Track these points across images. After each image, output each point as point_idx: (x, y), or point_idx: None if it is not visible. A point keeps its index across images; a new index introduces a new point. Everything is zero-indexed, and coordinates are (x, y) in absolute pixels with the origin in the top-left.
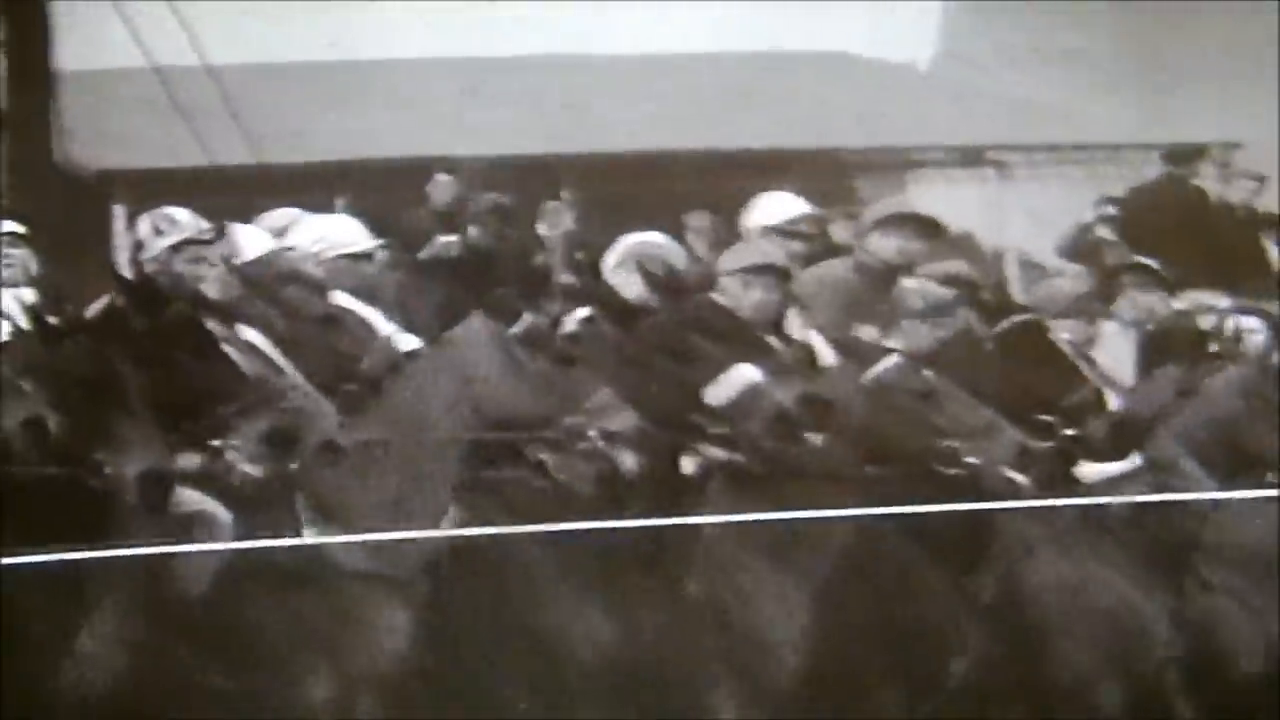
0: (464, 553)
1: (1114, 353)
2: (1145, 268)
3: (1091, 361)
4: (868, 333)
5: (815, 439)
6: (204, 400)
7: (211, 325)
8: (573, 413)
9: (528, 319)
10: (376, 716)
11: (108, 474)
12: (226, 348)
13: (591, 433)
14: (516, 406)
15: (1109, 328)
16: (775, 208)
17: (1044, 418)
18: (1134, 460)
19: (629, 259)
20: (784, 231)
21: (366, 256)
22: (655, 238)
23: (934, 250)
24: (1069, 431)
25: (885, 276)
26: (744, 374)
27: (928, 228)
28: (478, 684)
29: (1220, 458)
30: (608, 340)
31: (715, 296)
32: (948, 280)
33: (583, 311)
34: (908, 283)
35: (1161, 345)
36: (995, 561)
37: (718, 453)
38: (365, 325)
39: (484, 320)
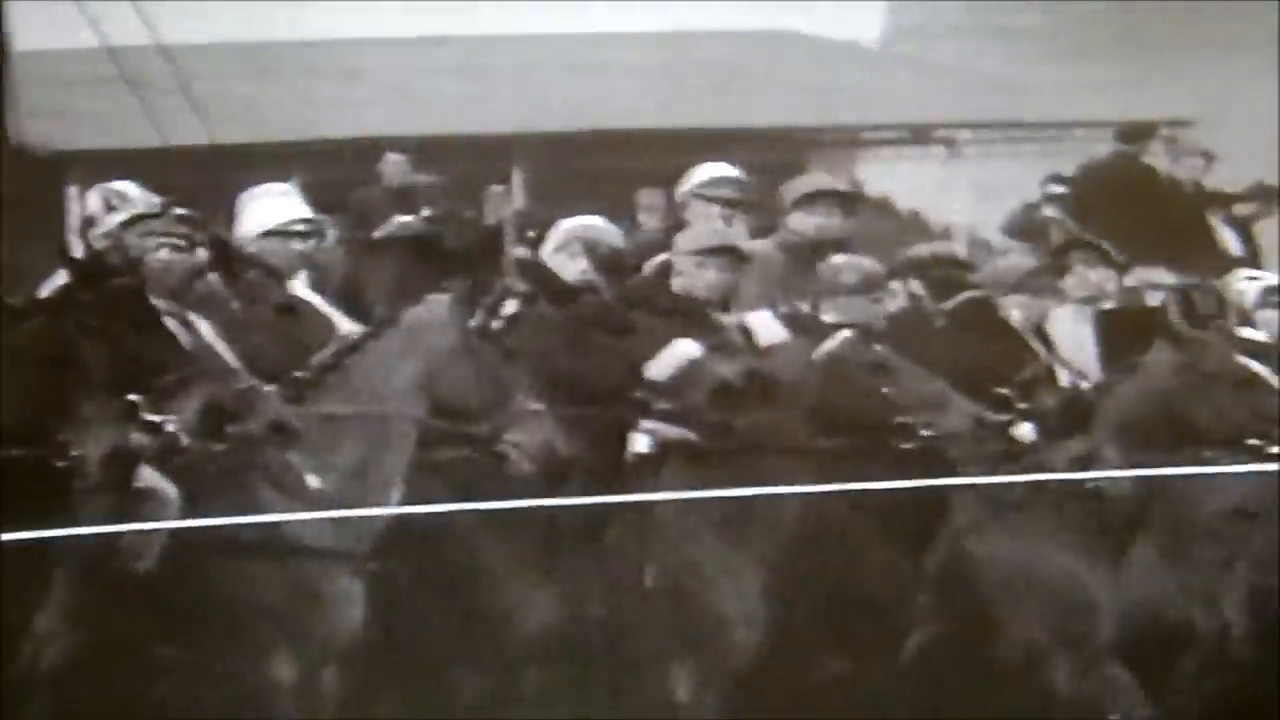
0: (413, 530)
1: (1070, 331)
2: (1093, 245)
3: (1044, 337)
4: (803, 309)
5: (764, 413)
6: (148, 375)
7: (158, 302)
8: (515, 394)
9: (475, 300)
10: (335, 690)
11: (73, 455)
12: (170, 322)
13: (533, 412)
14: (467, 388)
15: (1062, 308)
16: (700, 172)
17: (998, 391)
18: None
19: (568, 242)
20: (706, 197)
21: (314, 234)
22: (593, 220)
23: (875, 225)
24: (1022, 405)
25: (811, 253)
26: (684, 349)
27: (847, 202)
28: (428, 661)
29: (1161, 434)
30: (546, 320)
31: (673, 279)
32: (939, 261)
33: (522, 291)
34: (836, 259)
35: (1112, 323)
36: (946, 535)
37: (666, 429)
38: (323, 319)
39: (442, 302)
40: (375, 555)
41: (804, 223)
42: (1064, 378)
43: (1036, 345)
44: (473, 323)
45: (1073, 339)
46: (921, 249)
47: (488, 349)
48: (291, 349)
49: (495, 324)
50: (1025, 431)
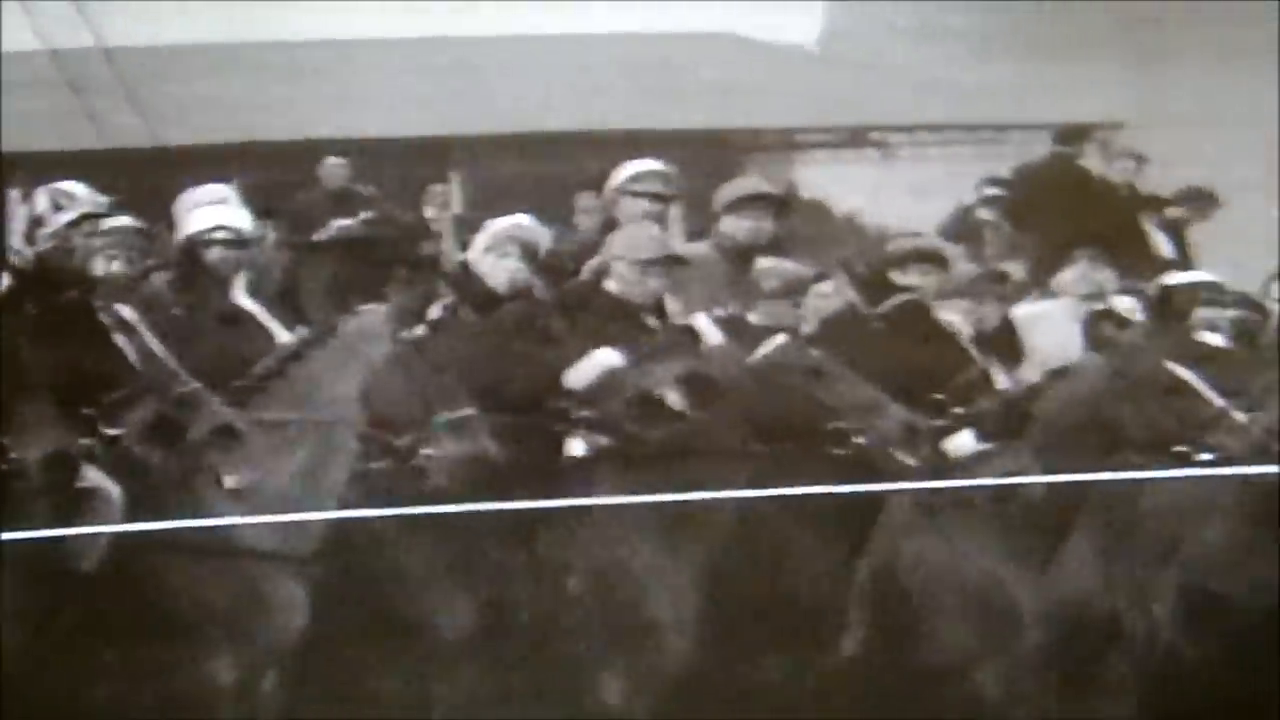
0: (351, 535)
1: (1057, 328)
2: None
3: (984, 342)
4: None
5: (695, 418)
6: (95, 386)
7: (105, 317)
8: (438, 404)
9: (406, 305)
10: (274, 694)
11: (13, 458)
12: (117, 338)
13: (460, 420)
14: (397, 399)
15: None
16: (625, 169)
17: (933, 395)
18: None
19: (497, 243)
20: (631, 192)
21: (243, 242)
22: (523, 219)
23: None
24: (958, 410)
25: (742, 257)
26: (603, 358)
27: (778, 206)
28: (359, 666)
29: (1090, 439)
30: (469, 327)
31: (608, 284)
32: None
33: (446, 298)
34: (763, 263)
35: (1101, 324)
36: (878, 540)
37: (594, 436)
38: (261, 328)
39: (378, 312)
40: (316, 560)
41: (735, 226)
42: (1001, 382)
43: (973, 350)
44: (405, 333)
45: (1058, 336)
46: (904, 243)
47: (416, 359)
48: (232, 356)
49: (420, 331)
50: (963, 441)
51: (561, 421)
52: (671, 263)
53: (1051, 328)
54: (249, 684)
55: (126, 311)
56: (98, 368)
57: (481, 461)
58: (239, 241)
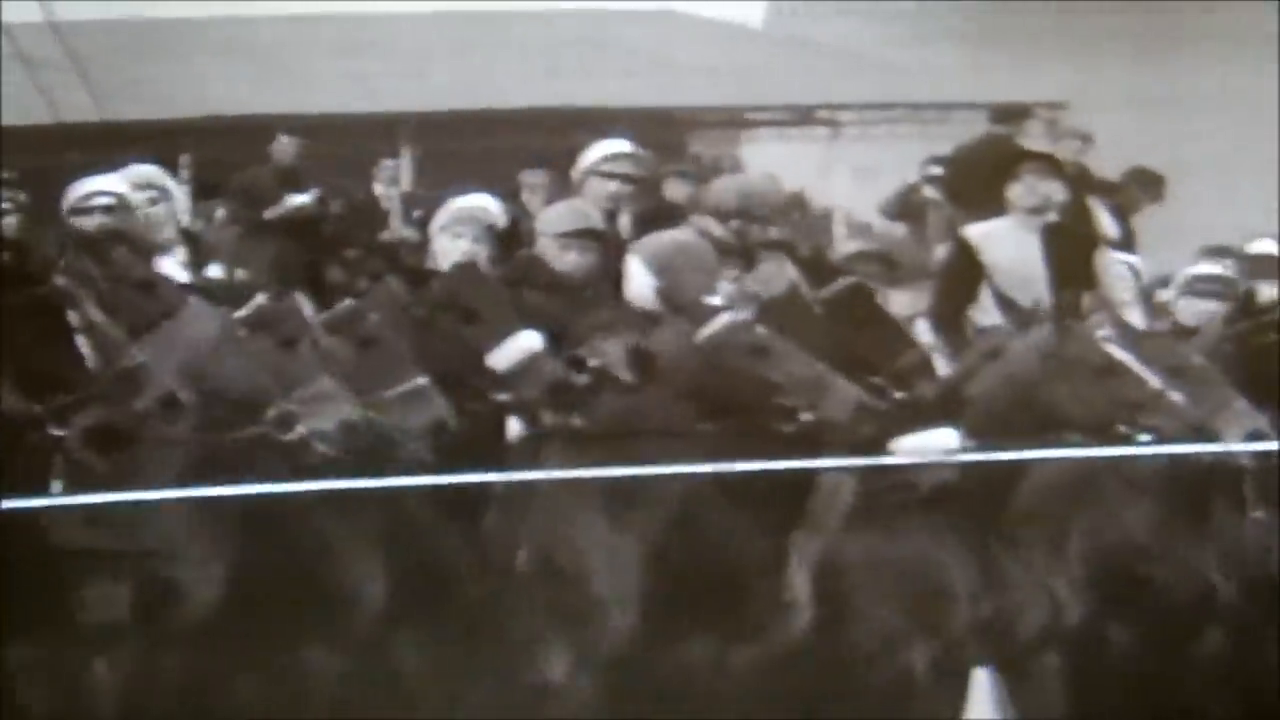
0: (269, 510)
1: (1014, 242)
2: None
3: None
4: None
5: (644, 393)
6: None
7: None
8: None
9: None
10: (181, 673)
11: None
12: (79, 338)
13: (417, 388)
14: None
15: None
16: (596, 150)
17: (874, 380)
18: (949, 437)
19: (453, 222)
20: (602, 173)
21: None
22: (480, 199)
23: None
24: (898, 395)
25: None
26: (526, 342)
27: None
28: (279, 642)
29: (1024, 420)
30: (398, 301)
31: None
32: (865, 258)
33: (375, 271)
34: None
35: (1059, 237)
36: (819, 519)
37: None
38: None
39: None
40: (232, 536)
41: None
42: (942, 367)
43: (914, 334)
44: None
45: (1017, 252)
46: (849, 246)
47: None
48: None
49: (348, 303)
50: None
51: (490, 398)
52: (589, 236)
53: (1008, 242)
54: (147, 664)
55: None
56: (55, 375)
57: (441, 430)
58: (121, 208)
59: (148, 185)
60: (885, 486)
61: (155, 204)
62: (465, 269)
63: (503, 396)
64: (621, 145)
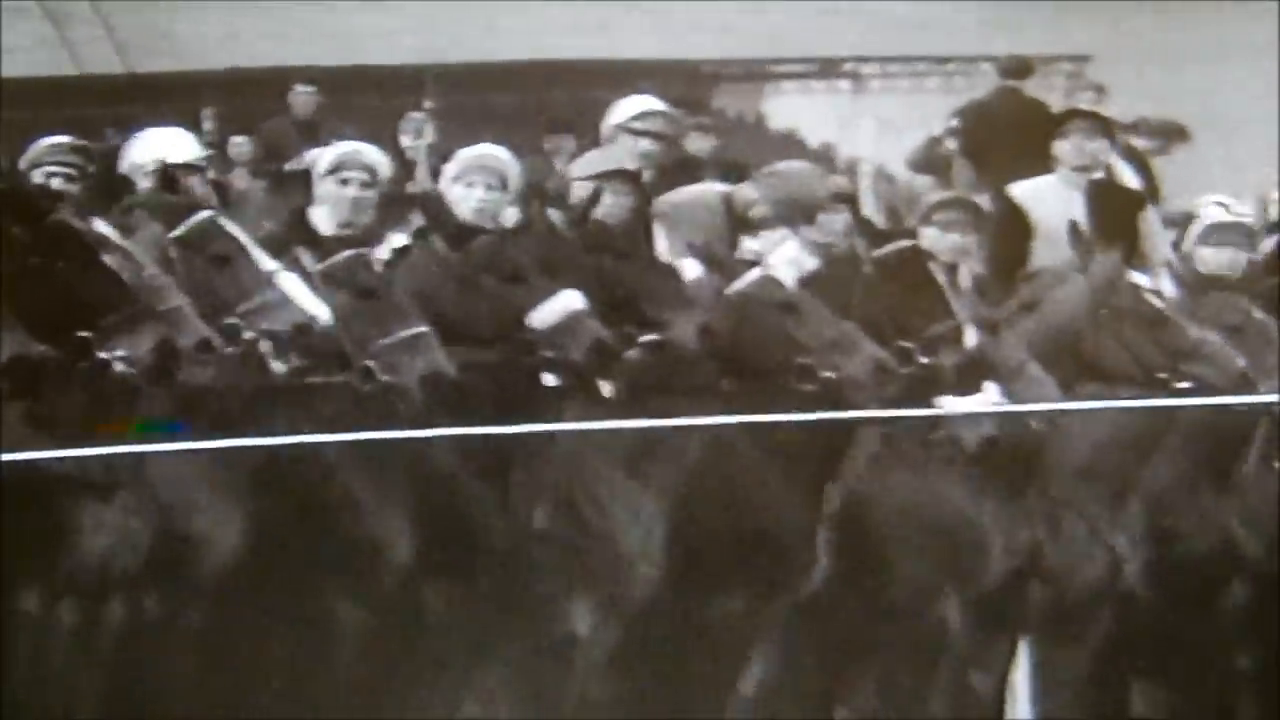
0: (292, 462)
1: (1059, 199)
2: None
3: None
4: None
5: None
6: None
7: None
8: (397, 320)
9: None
10: (203, 624)
11: None
12: (108, 258)
13: (416, 335)
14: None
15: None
16: (627, 106)
17: (903, 344)
18: (990, 395)
19: (465, 172)
20: (633, 130)
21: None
22: (493, 149)
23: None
24: (924, 360)
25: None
26: (567, 300)
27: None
28: (302, 592)
29: (1063, 368)
30: (437, 257)
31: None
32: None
33: (417, 224)
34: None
35: (1102, 194)
36: (846, 474)
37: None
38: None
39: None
40: (257, 486)
41: None
42: (970, 338)
43: (956, 304)
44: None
45: (1063, 210)
46: (933, 195)
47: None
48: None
49: (383, 255)
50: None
51: (528, 355)
52: (622, 177)
53: (1053, 200)
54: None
55: (104, 226)
56: (96, 300)
57: (439, 379)
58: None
59: None
60: (926, 441)
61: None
62: (528, 229)
63: (545, 354)
64: (652, 102)
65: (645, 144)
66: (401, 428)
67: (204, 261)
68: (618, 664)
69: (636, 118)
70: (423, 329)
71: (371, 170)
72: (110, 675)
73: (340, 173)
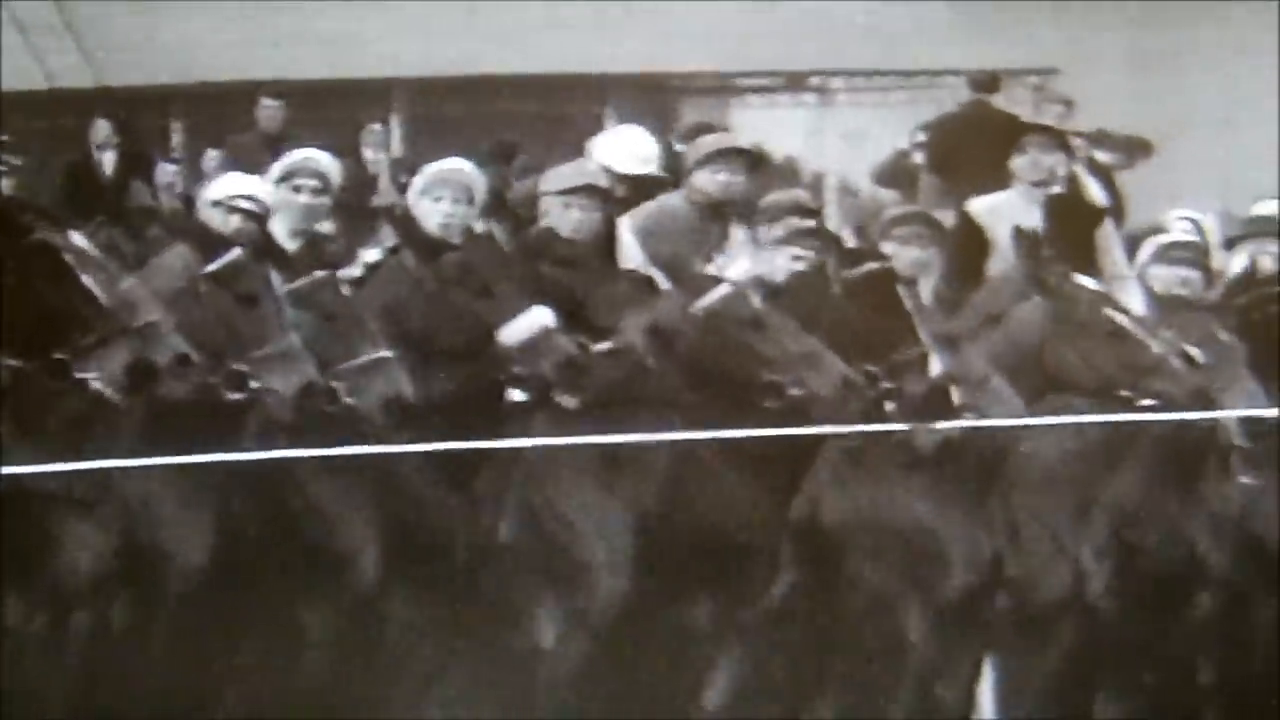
0: (259, 475)
1: (1018, 217)
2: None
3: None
4: (701, 264)
5: (652, 368)
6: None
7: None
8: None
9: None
10: (171, 637)
11: None
12: (86, 278)
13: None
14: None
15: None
16: (622, 146)
17: (869, 367)
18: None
19: (431, 186)
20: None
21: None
22: (459, 163)
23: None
24: (886, 385)
25: (714, 211)
26: (538, 317)
27: (752, 162)
28: (270, 605)
29: (1028, 382)
30: (408, 271)
31: (541, 220)
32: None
33: (388, 241)
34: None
35: (1060, 208)
36: (810, 487)
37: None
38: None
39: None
40: (223, 499)
41: (709, 181)
42: (935, 365)
43: (921, 332)
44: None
45: (1020, 223)
46: (777, 196)
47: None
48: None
49: (355, 272)
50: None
51: (498, 370)
52: (590, 192)
53: (1011, 215)
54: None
55: (80, 240)
56: (74, 317)
57: (398, 403)
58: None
59: None
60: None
61: None
62: (479, 242)
63: (515, 370)
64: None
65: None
66: (368, 442)
67: (231, 299)
68: (583, 674)
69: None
70: (386, 354)
71: (323, 177)
72: (77, 684)
73: (292, 180)
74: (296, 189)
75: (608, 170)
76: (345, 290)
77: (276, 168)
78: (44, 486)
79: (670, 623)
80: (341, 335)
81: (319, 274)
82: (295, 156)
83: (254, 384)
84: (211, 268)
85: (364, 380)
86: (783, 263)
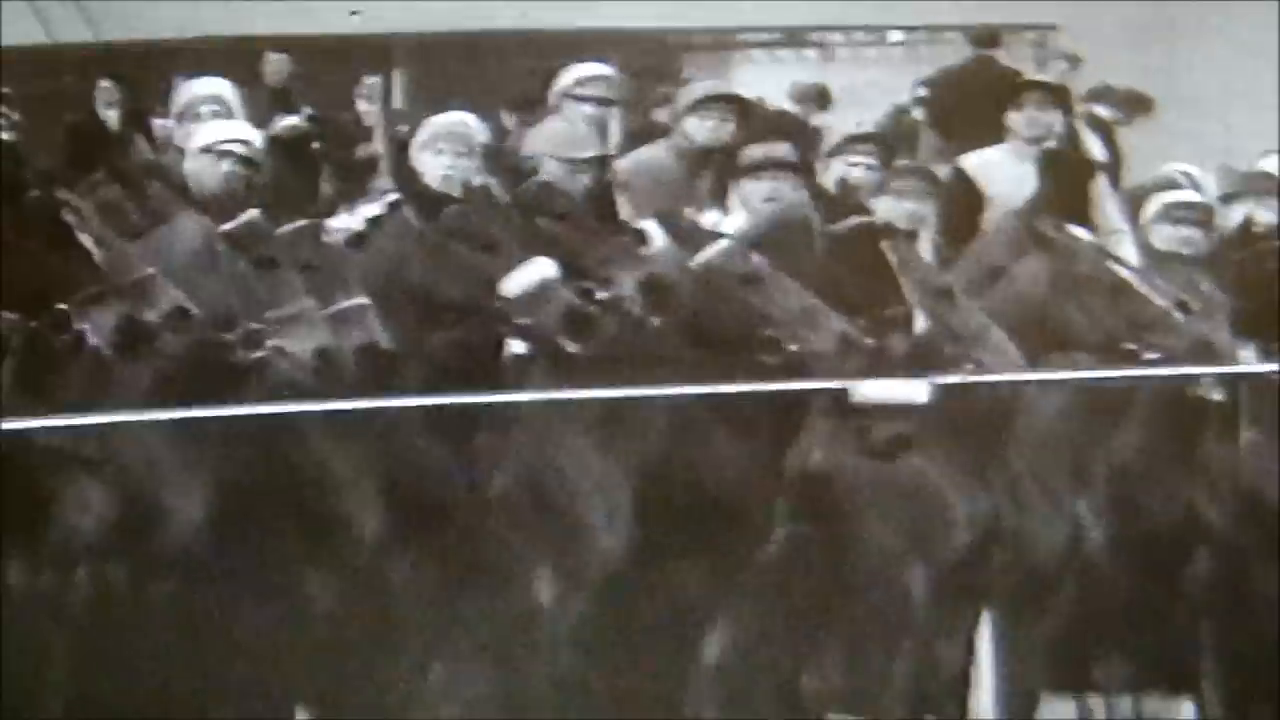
0: (256, 430)
1: (1011, 172)
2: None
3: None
4: (690, 215)
5: (648, 324)
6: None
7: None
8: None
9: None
10: (170, 597)
11: None
12: (84, 237)
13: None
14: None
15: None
16: (573, 72)
17: (856, 322)
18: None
19: (433, 139)
20: (576, 95)
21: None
22: (461, 116)
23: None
24: (869, 341)
25: (702, 159)
26: (541, 268)
27: (743, 109)
28: (270, 566)
29: (1028, 338)
30: (408, 227)
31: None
32: (770, 164)
33: (390, 195)
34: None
35: (1054, 163)
36: (807, 443)
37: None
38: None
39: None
40: (223, 456)
41: (697, 128)
42: (920, 323)
43: (908, 289)
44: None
45: (1014, 180)
46: (755, 150)
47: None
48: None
49: (355, 226)
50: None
51: (499, 324)
52: (600, 163)
53: (1004, 171)
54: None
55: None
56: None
57: (374, 350)
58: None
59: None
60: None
61: None
62: (479, 195)
63: (517, 320)
64: (596, 68)
65: (589, 109)
66: (370, 397)
67: (248, 262)
68: (582, 633)
69: (580, 83)
70: (363, 300)
71: (465, 139)
72: (79, 646)
73: (435, 144)
74: (439, 152)
75: None
76: (328, 239)
77: (422, 132)
78: (48, 442)
79: (670, 580)
80: (320, 284)
81: (299, 222)
82: (444, 120)
83: (270, 344)
84: (227, 227)
85: (340, 327)
86: (758, 205)
